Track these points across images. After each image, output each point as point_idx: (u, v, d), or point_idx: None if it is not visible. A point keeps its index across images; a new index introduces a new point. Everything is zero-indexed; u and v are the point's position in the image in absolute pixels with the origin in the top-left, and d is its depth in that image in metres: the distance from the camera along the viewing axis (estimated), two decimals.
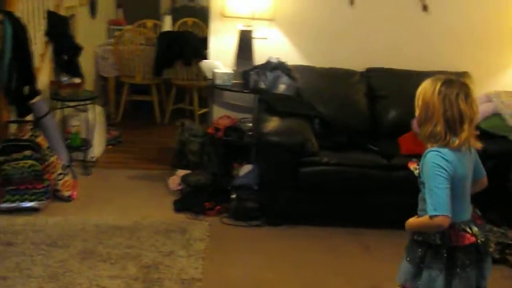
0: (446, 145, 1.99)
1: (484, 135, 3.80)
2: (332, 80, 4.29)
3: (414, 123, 3.88)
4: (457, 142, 1.98)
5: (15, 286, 2.91)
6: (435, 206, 1.94)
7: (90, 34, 6.11)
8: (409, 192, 3.80)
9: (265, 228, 3.78)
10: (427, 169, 2.00)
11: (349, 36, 4.48)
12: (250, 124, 4.28)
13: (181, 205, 4.00)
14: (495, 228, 3.62)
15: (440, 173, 1.96)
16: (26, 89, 4.14)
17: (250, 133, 4.20)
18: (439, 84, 1.99)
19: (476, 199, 3.83)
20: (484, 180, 2.32)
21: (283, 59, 4.28)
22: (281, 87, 4.10)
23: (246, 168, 4.07)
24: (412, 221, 2.09)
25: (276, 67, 4.18)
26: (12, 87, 4.03)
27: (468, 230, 2.05)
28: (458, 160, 2.01)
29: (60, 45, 4.90)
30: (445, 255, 2.01)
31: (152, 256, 3.29)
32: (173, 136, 4.96)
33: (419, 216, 2.08)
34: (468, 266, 2.04)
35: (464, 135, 1.97)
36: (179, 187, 4.25)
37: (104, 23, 6.93)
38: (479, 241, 2.05)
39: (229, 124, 4.31)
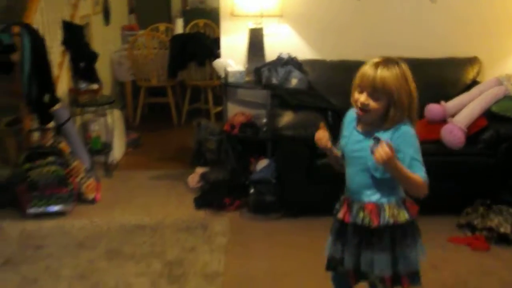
0: (410, 123, 2.03)
1: (495, 117, 3.81)
2: (343, 72, 4.26)
3: (428, 111, 3.90)
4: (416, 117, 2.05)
5: (45, 287, 2.98)
6: (425, 173, 1.97)
7: (105, 41, 6.16)
8: None
9: (284, 220, 3.79)
10: (411, 140, 2.00)
11: (358, 28, 4.47)
12: (265, 120, 4.29)
13: (201, 202, 4.03)
14: (510, 210, 3.61)
15: (418, 144, 2.01)
16: (47, 97, 4.20)
17: (265, 128, 4.22)
18: (404, 67, 2.00)
19: (490, 182, 3.84)
20: None
21: (293, 54, 4.28)
22: (293, 82, 4.11)
23: (263, 163, 4.09)
24: (400, 166, 1.93)
25: (287, 62, 4.19)
26: (33, 96, 4.10)
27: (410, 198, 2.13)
28: None
29: (77, 53, 4.96)
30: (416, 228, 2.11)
31: (175, 253, 3.33)
32: (191, 136, 4.98)
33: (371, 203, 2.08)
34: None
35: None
36: (199, 185, 4.28)
37: (118, 29, 6.97)
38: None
39: (244, 120, 4.33)
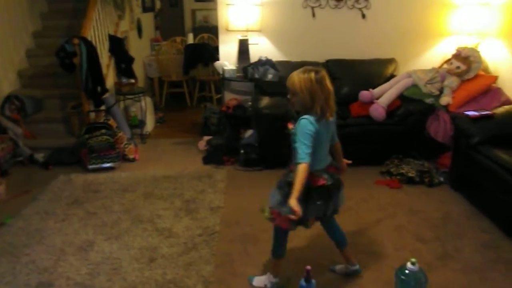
0: (315, 116, 1.89)
1: (407, 99, 3.84)
2: None
3: (361, 96, 3.91)
4: (321, 114, 1.88)
5: (103, 218, 3.00)
6: (306, 155, 1.84)
7: (138, 49, 6.04)
8: (358, 142, 3.85)
9: (264, 171, 3.82)
10: (301, 128, 1.88)
11: (313, 38, 4.41)
12: (250, 103, 4.27)
13: (207, 160, 4.04)
14: (415, 161, 3.66)
15: (309, 132, 1.86)
16: (99, 88, 4.14)
17: (250, 109, 4.20)
18: (312, 75, 1.86)
19: (402, 143, 3.87)
20: (337, 144, 2.18)
21: (269, 57, 4.23)
22: (269, 76, 4.07)
23: (249, 133, 4.08)
24: (294, 191, 1.81)
25: (265, 63, 4.14)
26: (89, 88, 4.04)
27: (321, 175, 1.98)
28: (321, 125, 1.90)
29: (119, 57, 4.88)
30: (304, 192, 1.88)
31: (190, 194, 3.35)
32: (199, 114, 4.97)
33: (293, 165, 1.94)
34: (319, 200, 1.97)
35: (331, 109, 1.89)
36: (206, 148, 4.27)
37: (148, 41, 6.83)
38: (327, 183, 1.97)
39: (236, 103, 4.30)
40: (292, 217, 1.81)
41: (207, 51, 5.73)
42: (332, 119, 1.98)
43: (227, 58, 4.47)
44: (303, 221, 2.00)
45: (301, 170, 1.83)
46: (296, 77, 1.89)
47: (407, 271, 1.52)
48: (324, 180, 1.97)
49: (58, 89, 4.54)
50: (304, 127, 1.87)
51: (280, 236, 2.14)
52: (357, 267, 2.32)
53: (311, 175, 1.92)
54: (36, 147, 4.08)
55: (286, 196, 1.91)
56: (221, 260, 2.50)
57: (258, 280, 2.28)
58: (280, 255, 2.17)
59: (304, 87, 1.86)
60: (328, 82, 1.90)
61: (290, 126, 2.00)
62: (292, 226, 2.02)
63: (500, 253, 2.56)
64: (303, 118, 1.90)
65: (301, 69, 1.90)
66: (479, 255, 2.54)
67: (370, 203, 3.19)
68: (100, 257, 2.53)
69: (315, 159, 1.92)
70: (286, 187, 1.96)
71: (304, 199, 1.90)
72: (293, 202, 1.79)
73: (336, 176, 2.07)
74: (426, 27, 4.38)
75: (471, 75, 3.72)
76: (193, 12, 8.48)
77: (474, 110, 3.30)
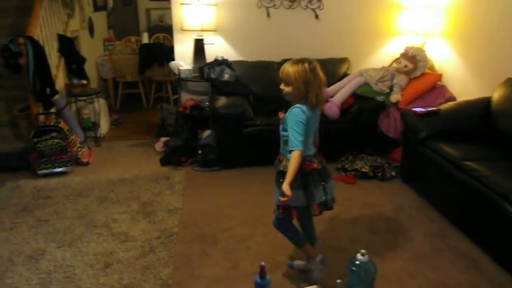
0: (308, 104, 1.94)
1: (359, 97, 3.95)
2: (259, 68, 4.29)
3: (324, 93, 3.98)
4: (316, 102, 1.94)
5: (55, 225, 2.88)
6: (299, 142, 1.89)
7: (91, 49, 5.85)
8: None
9: (222, 171, 3.81)
10: (293, 116, 1.93)
11: (269, 38, 4.46)
12: (207, 103, 4.25)
13: (164, 161, 3.98)
14: (369, 157, 3.78)
15: (302, 120, 1.91)
16: (48, 90, 3.97)
17: (207, 109, 4.18)
18: (306, 65, 1.91)
19: (356, 140, 3.98)
20: (317, 138, 2.18)
21: (225, 57, 4.24)
22: (226, 76, 4.07)
23: (207, 133, 4.06)
24: (288, 176, 1.89)
25: (221, 63, 4.14)
26: (37, 89, 3.87)
27: (313, 160, 2.03)
28: (311, 114, 1.96)
29: (70, 58, 4.71)
30: (299, 179, 1.95)
31: (147, 196, 3.29)
32: (156, 115, 4.89)
33: (282, 155, 2.04)
34: (316, 184, 2.02)
35: (322, 97, 1.95)
36: (163, 149, 4.21)
37: (100, 41, 6.62)
38: (319, 167, 2.03)
39: (193, 104, 4.26)
40: (283, 199, 1.87)
41: (163, 51, 5.65)
42: (318, 110, 2.03)
43: (183, 58, 4.43)
44: (307, 208, 2.03)
45: (295, 157, 1.89)
46: (290, 68, 1.92)
47: (357, 262, 1.58)
48: (316, 164, 2.03)
49: (3, 91, 4.31)
50: (297, 116, 1.92)
51: (287, 228, 2.18)
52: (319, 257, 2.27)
53: (304, 160, 1.97)
54: None
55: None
56: (180, 262, 2.47)
57: (298, 264, 2.35)
58: (301, 241, 2.21)
59: (298, 77, 1.90)
60: (320, 72, 1.95)
61: (281, 115, 2.03)
62: (301, 214, 2.07)
63: (448, 241, 2.71)
64: (295, 107, 1.94)
65: (292, 60, 1.94)
66: (428, 244, 2.67)
67: None
68: (52, 266, 2.43)
69: (305, 146, 1.97)
70: (280, 178, 1.99)
71: (302, 185, 1.97)
72: (286, 187, 1.86)
73: (324, 163, 2.11)
74: (376, 27, 4.54)
75: (417, 73, 3.89)
76: (148, 11, 8.31)
77: (421, 107, 3.46)
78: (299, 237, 2.22)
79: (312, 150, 2.09)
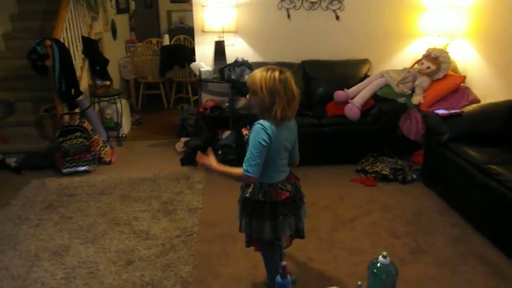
0: (273, 120, 1.67)
1: (380, 99, 3.92)
2: None
3: (336, 96, 3.97)
4: (281, 118, 1.66)
5: (78, 222, 2.95)
6: (250, 166, 1.64)
7: (113, 51, 5.96)
8: (334, 141, 3.91)
9: None
10: (254, 135, 1.68)
11: (289, 39, 4.47)
12: (227, 104, 4.29)
13: (185, 161, 4.02)
14: (389, 159, 3.75)
15: (262, 141, 1.65)
16: (73, 91, 4.07)
17: (228, 109, 4.21)
18: (277, 74, 1.64)
19: (376, 141, 3.95)
20: (296, 163, 1.93)
21: (246, 58, 4.26)
22: (246, 77, 4.10)
23: (227, 133, 4.10)
24: (217, 166, 1.74)
25: (242, 64, 4.17)
26: (62, 90, 3.97)
27: (284, 187, 1.79)
28: (277, 132, 1.68)
29: (93, 59, 4.80)
30: (269, 208, 1.76)
31: (168, 195, 3.34)
32: (177, 116, 4.96)
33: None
34: (287, 215, 1.80)
35: (292, 111, 1.69)
36: (183, 149, 4.27)
37: (122, 43, 6.74)
38: (292, 194, 1.80)
39: (213, 105, 4.31)
40: (199, 155, 1.74)
41: (183, 53, 5.71)
42: (293, 123, 1.80)
43: (204, 59, 4.47)
44: (277, 241, 1.82)
45: (239, 176, 1.68)
46: (258, 75, 1.67)
47: (378, 265, 1.56)
48: (288, 192, 1.79)
49: (30, 92, 4.44)
50: (257, 135, 1.66)
51: (269, 263, 1.98)
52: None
53: (273, 189, 1.76)
54: (8, 152, 3.98)
55: (251, 215, 1.80)
56: (200, 260, 2.50)
57: None
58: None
59: (264, 86, 1.64)
60: (293, 84, 1.68)
61: (245, 131, 1.85)
62: (266, 248, 1.85)
63: (470, 246, 2.65)
64: (256, 123, 1.69)
65: (264, 67, 1.69)
66: (450, 249, 2.63)
67: (346, 201, 3.25)
68: (76, 261, 2.50)
69: (274, 170, 1.76)
70: (248, 206, 1.81)
71: (272, 216, 1.77)
72: (208, 161, 1.74)
73: (298, 185, 1.90)
74: (398, 29, 4.50)
75: (440, 75, 3.83)
76: (169, 13, 8.42)
77: (444, 109, 3.41)
78: (274, 274, 1.76)
79: (284, 174, 1.82)
